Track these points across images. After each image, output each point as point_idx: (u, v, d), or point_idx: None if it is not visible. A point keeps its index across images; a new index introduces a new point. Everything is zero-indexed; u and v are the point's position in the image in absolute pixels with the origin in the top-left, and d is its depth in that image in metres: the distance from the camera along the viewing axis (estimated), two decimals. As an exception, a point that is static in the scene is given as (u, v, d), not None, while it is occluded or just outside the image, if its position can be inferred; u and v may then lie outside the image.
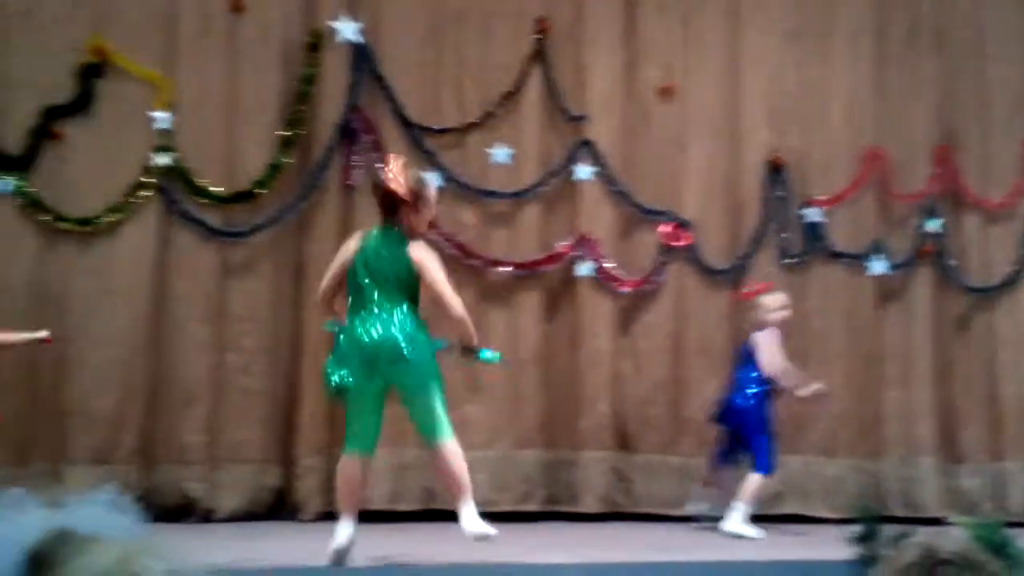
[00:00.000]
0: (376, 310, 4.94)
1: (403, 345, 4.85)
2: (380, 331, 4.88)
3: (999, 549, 4.36)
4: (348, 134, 7.12)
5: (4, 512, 1.13)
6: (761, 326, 6.88)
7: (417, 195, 5.05)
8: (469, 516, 4.98)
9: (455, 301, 5.03)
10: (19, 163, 6.69)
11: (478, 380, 7.29)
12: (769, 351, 6.77)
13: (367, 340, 4.88)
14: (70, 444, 6.58)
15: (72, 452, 6.56)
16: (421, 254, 5.02)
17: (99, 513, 1.18)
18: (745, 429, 6.80)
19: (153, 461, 6.76)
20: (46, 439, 6.57)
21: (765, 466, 6.71)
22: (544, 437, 7.38)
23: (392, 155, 5.31)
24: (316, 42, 7.16)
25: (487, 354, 5.25)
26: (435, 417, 4.96)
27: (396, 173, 5.08)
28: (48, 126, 6.75)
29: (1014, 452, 7.86)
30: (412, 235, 5.06)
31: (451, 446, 4.99)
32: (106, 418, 6.64)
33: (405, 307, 4.96)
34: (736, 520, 6.60)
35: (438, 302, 5.04)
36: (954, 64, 8.16)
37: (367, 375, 4.92)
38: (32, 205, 6.69)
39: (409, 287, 5.02)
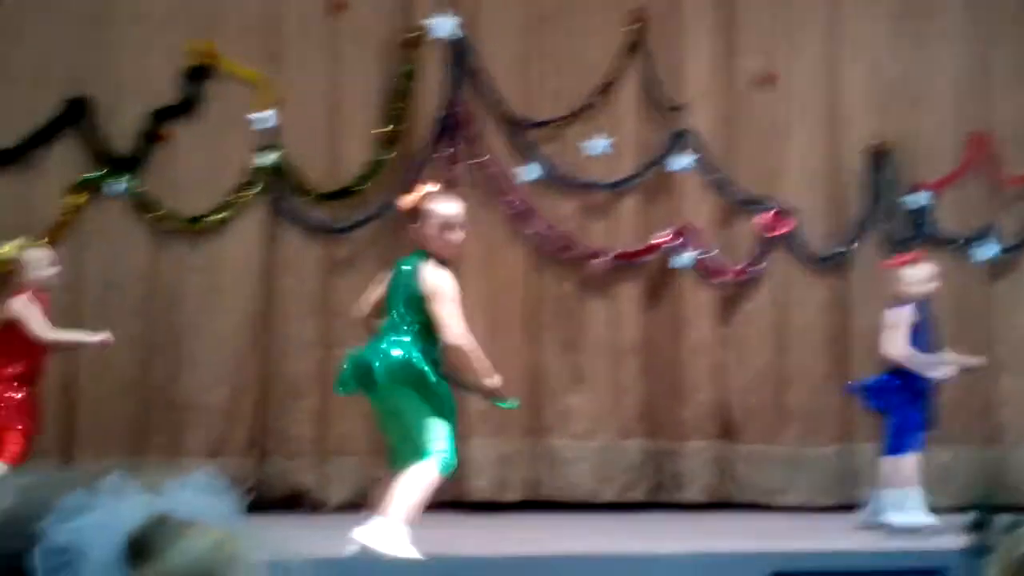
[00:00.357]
0: (387, 329, 4.82)
1: (388, 357, 4.69)
2: (376, 346, 4.77)
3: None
4: (447, 129, 7.18)
5: (103, 499, 1.17)
6: (902, 300, 6.43)
7: (414, 210, 4.88)
8: (380, 530, 4.60)
9: (455, 331, 4.73)
10: (129, 164, 6.87)
11: (580, 371, 7.33)
12: (892, 332, 6.32)
13: (362, 353, 4.80)
14: (184, 438, 6.75)
15: (186, 446, 6.72)
16: (433, 279, 4.76)
17: (197, 498, 1.21)
18: (881, 407, 6.45)
19: (264, 454, 6.91)
20: (161, 433, 6.76)
21: (895, 447, 6.29)
22: (646, 427, 7.37)
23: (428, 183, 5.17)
24: (415, 38, 7.23)
25: (504, 403, 5.05)
26: (421, 442, 4.67)
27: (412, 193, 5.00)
28: (156, 128, 6.92)
29: None
30: (435, 257, 4.83)
31: (427, 469, 4.65)
32: (218, 412, 6.80)
33: (416, 328, 4.77)
34: (895, 511, 6.16)
35: (439, 329, 4.76)
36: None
37: (372, 393, 4.84)
38: (142, 205, 6.86)
39: (422, 310, 4.79)
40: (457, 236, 4.90)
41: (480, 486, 7.01)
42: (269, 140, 7.01)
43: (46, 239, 6.37)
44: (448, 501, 6.94)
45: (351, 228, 7.10)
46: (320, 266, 7.07)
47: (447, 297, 4.75)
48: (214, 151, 6.99)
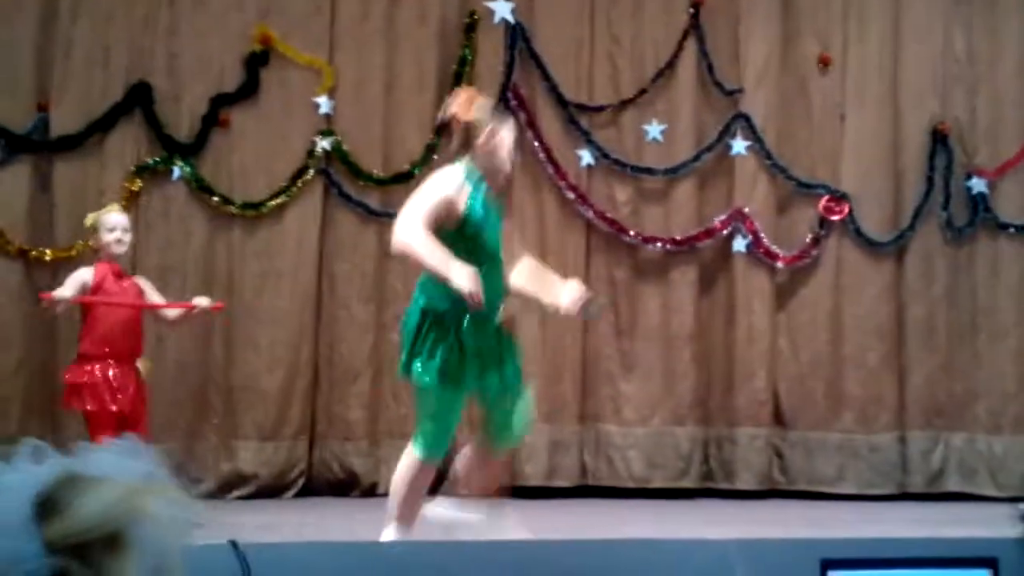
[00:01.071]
0: None
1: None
2: None
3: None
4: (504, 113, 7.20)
5: (18, 462, 1.18)
6: None
7: (460, 123, 4.24)
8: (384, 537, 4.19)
9: (397, 229, 3.95)
10: (190, 149, 6.95)
11: (633, 357, 7.32)
12: None
13: None
14: (239, 420, 6.84)
15: (242, 428, 6.82)
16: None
17: (114, 460, 1.22)
18: None
19: (318, 437, 6.98)
20: (216, 415, 6.84)
21: None
22: (699, 414, 7.35)
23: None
24: (472, 23, 7.24)
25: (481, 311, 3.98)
26: (417, 416, 4.21)
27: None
28: (216, 113, 6.99)
29: None
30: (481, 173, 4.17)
31: (407, 458, 4.16)
32: (273, 395, 6.88)
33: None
34: None
35: None
36: None
37: None
38: (201, 190, 6.94)
39: (444, 236, 4.01)
40: (511, 157, 4.25)
41: (532, 471, 7.04)
42: (326, 125, 7.06)
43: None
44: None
45: (406, 213, 7.13)
46: (375, 250, 7.10)
47: (422, 191, 4.04)
48: (272, 136, 7.04)
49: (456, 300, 3.94)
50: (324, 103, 7.05)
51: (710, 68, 7.49)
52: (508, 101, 7.19)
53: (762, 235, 7.42)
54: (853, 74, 7.61)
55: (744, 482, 7.27)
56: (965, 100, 7.66)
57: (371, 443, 7.00)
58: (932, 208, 7.53)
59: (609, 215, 7.33)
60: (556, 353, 7.17)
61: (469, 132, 4.20)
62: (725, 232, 7.43)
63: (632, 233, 7.35)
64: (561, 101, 7.32)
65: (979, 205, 7.56)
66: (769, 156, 7.49)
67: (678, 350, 7.35)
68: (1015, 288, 7.56)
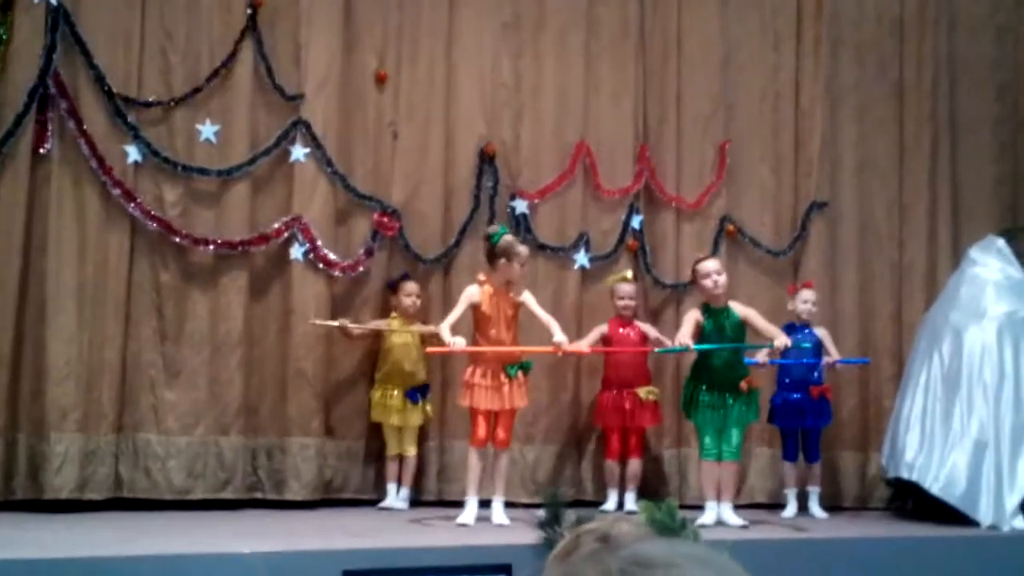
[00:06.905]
0: None
1: None
2: None
3: (673, 529, 4.54)
4: (42, 100, 6.72)
5: None
6: None
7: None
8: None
9: None
10: None
11: (178, 363, 7.06)
12: None
13: None
14: None
15: None
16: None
17: None
18: None
19: None
20: None
21: None
22: (246, 423, 7.18)
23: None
24: (8, 1, 6.71)
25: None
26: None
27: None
28: None
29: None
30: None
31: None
32: None
33: None
34: None
35: None
36: (656, 65, 8.44)
37: None
38: None
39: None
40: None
41: (61, 484, 6.56)
42: None
43: None
44: (24, 500, 6.52)
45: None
46: None
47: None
48: None
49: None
50: None
51: (269, 71, 7.38)
52: (48, 88, 6.72)
53: (319, 243, 7.38)
54: (407, 90, 7.77)
55: (294, 492, 7.18)
56: (511, 124, 8.02)
57: None
58: (477, 226, 7.80)
59: (156, 215, 7.03)
60: (93, 357, 6.77)
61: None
62: (283, 238, 7.34)
63: (182, 234, 7.08)
64: (107, 92, 6.93)
65: (521, 225, 7.93)
66: (330, 164, 7.48)
67: (225, 357, 7.15)
68: (551, 305, 7.93)
